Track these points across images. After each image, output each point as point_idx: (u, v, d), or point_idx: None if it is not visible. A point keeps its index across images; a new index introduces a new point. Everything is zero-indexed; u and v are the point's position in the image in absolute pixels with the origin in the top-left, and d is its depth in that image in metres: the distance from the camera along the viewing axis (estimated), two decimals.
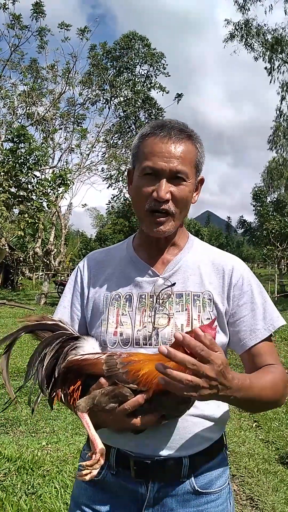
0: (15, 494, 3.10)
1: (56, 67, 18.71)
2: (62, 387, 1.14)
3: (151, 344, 1.25)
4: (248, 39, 23.41)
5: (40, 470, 3.44)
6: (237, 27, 23.57)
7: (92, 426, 1.07)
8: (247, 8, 22.57)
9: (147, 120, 35.98)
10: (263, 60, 23.94)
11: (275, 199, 40.52)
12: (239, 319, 1.30)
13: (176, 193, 1.23)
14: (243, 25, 23.33)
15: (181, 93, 31.88)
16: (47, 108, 17.58)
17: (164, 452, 1.21)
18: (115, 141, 30.52)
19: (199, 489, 1.25)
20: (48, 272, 19.40)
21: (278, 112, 27.40)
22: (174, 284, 1.30)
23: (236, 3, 22.81)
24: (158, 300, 1.29)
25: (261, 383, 1.17)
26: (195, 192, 1.34)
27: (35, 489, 3.18)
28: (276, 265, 23.63)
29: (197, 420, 1.24)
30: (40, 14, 18.23)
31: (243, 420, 5.06)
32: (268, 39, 23.37)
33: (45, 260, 19.47)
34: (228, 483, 1.34)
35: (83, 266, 1.45)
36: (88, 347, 1.19)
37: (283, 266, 25.91)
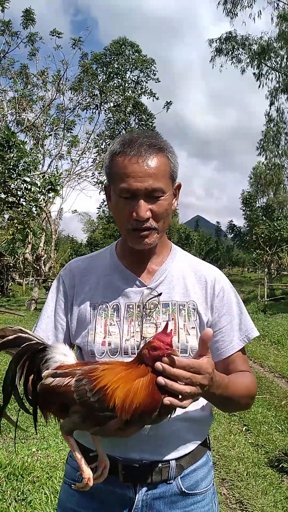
0: (4, 500, 3.09)
1: (46, 73, 18.72)
2: (43, 406, 1.12)
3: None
4: (234, 50, 23.58)
5: (30, 476, 3.43)
6: (221, 41, 23.72)
7: (77, 448, 1.06)
8: (235, 13, 22.75)
9: (137, 125, 36.10)
10: (251, 67, 24.15)
11: (264, 204, 40.82)
12: (218, 330, 1.35)
13: (156, 210, 1.24)
14: (227, 39, 23.48)
15: (170, 101, 32.09)
16: (37, 115, 17.58)
17: (152, 456, 1.24)
18: (106, 146, 30.55)
19: (186, 490, 1.28)
20: (39, 278, 19.30)
21: (267, 117, 27.65)
22: (161, 294, 1.32)
23: (224, 9, 23.00)
24: (145, 310, 1.30)
25: (237, 384, 1.25)
26: (174, 199, 1.35)
27: (25, 496, 3.17)
28: (266, 269, 23.75)
29: (183, 424, 1.27)
30: (30, 21, 18.26)
31: (233, 424, 5.08)
32: (254, 49, 23.56)
33: (35, 266, 19.38)
34: (213, 483, 1.38)
35: (66, 274, 1.44)
36: (59, 356, 1.14)
37: (272, 270, 26.06)
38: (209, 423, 1.41)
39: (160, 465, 1.24)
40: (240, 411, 1.37)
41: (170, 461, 1.26)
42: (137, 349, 1.27)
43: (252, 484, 3.64)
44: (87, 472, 1.04)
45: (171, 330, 1.06)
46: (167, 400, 0.99)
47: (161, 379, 0.99)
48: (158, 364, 0.99)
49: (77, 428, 1.06)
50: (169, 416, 1.04)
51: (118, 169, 1.23)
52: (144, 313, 1.31)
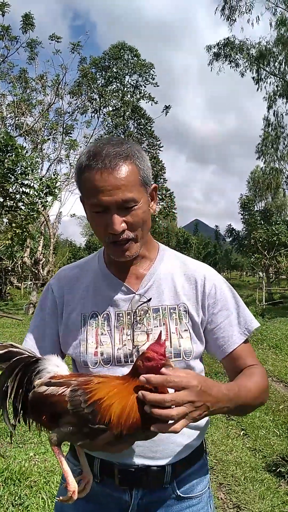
0: (2, 505, 3.09)
1: (45, 77, 18.78)
2: (34, 416, 1.11)
3: (133, 361, 1.24)
4: (232, 54, 23.67)
5: (28, 481, 3.43)
6: (219, 46, 23.82)
7: (65, 461, 1.05)
8: (233, 19, 22.87)
9: (136, 130, 36.21)
10: (250, 71, 24.25)
11: (262, 208, 40.89)
12: (216, 327, 1.34)
13: (131, 220, 1.21)
14: (225, 44, 23.57)
15: (169, 105, 32.24)
16: (36, 119, 17.62)
17: (147, 461, 1.24)
18: None
19: (181, 494, 1.29)
20: (37, 282, 19.27)
21: (265, 121, 27.76)
22: (150, 299, 1.31)
23: (222, 15, 23.11)
24: (135, 317, 1.30)
25: (248, 387, 1.22)
26: (152, 202, 1.32)
27: (22, 500, 3.17)
28: (264, 273, 23.78)
29: None
30: (30, 25, 18.33)
31: (230, 429, 5.08)
32: (252, 53, 23.66)
33: (34, 270, 19.36)
34: (208, 487, 1.39)
35: (55, 283, 1.42)
36: (52, 367, 1.13)
37: (271, 274, 26.09)
38: (206, 427, 1.40)
39: (155, 469, 1.25)
40: (257, 408, 1.33)
41: (166, 466, 1.26)
42: (129, 358, 1.26)
43: (249, 489, 3.64)
44: (73, 485, 1.03)
45: (164, 340, 1.05)
46: (154, 427, 0.97)
47: (146, 408, 0.97)
48: (142, 379, 0.98)
49: (67, 439, 1.04)
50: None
51: (86, 184, 1.20)
52: (134, 321, 1.29)
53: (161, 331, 1.16)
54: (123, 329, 1.29)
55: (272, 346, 10.23)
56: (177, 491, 1.28)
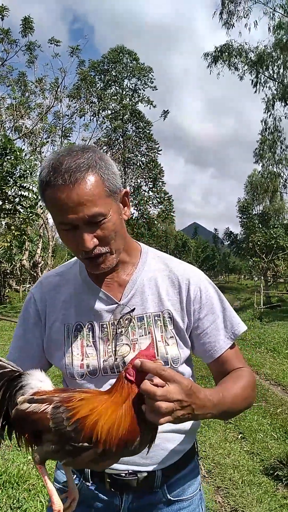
0: (0, 508, 3.09)
1: (44, 81, 18.82)
2: (18, 432, 1.08)
3: (119, 371, 1.23)
4: (231, 59, 23.75)
5: (26, 484, 3.44)
6: (218, 51, 23.91)
7: (49, 480, 1.02)
8: (232, 24, 22.96)
9: (134, 133, 36.25)
10: (250, 73, 24.32)
11: (260, 212, 40.97)
12: (202, 332, 1.31)
13: (101, 234, 1.15)
14: (222, 51, 23.66)
15: (167, 110, 32.37)
16: (35, 122, 17.65)
17: (138, 467, 1.25)
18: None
19: (171, 498, 1.29)
20: None
21: (264, 125, 27.86)
22: (133, 309, 1.27)
23: (221, 19, 23.20)
24: (119, 328, 1.27)
25: (233, 392, 1.19)
26: (125, 208, 1.26)
27: (21, 504, 3.17)
28: (262, 277, 23.79)
29: (169, 435, 1.27)
30: (29, 29, 18.39)
31: (228, 432, 5.09)
32: (251, 57, 23.78)
33: (32, 272, 19.34)
34: (200, 489, 1.39)
35: (37, 292, 1.38)
36: (35, 382, 1.10)
37: (269, 277, 26.11)
38: (196, 430, 1.40)
39: (146, 474, 1.25)
40: (243, 411, 1.30)
41: (156, 471, 1.26)
42: (116, 369, 1.24)
43: (247, 492, 3.65)
44: (58, 505, 1.00)
45: (153, 347, 1.05)
46: (143, 407, 0.95)
47: (143, 384, 0.94)
48: (137, 361, 0.96)
49: (50, 457, 1.01)
50: (148, 446, 1.00)
51: (49, 202, 1.14)
52: (117, 332, 1.26)
53: (151, 342, 1.14)
54: (108, 340, 1.26)
55: (270, 350, 10.23)
56: (168, 494, 1.29)
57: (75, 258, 1.38)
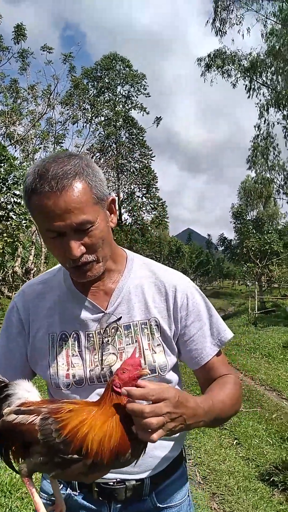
0: None
1: (36, 88, 18.84)
2: (5, 444, 1.04)
3: (106, 381, 1.22)
4: (224, 66, 23.90)
5: (18, 492, 3.39)
6: (211, 58, 24.07)
7: (36, 493, 0.99)
8: (224, 31, 23.14)
9: (127, 139, 36.39)
10: (243, 79, 24.48)
11: (254, 217, 41.15)
12: (189, 339, 1.30)
13: (88, 242, 1.13)
14: (216, 56, 23.83)
15: (160, 117, 32.52)
16: (28, 129, 17.66)
17: (126, 476, 1.23)
18: (96, 160, 30.72)
19: (160, 505, 1.28)
20: None
21: (257, 129, 28.01)
22: (120, 318, 1.25)
23: (213, 27, 23.38)
24: (105, 337, 1.24)
25: (221, 399, 1.19)
26: (112, 215, 1.24)
27: None
28: (256, 282, 23.84)
29: (157, 443, 1.24)
30: (22, 36, 18.43)
31: (223, 438, 5.05)
32: (243, 64, 23.96)
33: (25, 279, 19.28)
34: (188, 495, 1.37)
35: (19, 300, 1.34)
36: (22, 392, 1.07)
37: (263, 282, 26.17)
38: (184, 436, 1.39)
39: (134, 482, 1.24)
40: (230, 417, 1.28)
41: (145, 479, 1.25)
42: (103, 378, 1.22)
43: (243, 498, 3.61)
44: None
45: (139, 355, 1.04)
46: (135, 428, 0.94)
47: (128, 405, 0.94)
48: (124, 390, 0.95)
49: (38, 470, 0.99)
50: (137, 459, 0.99)
51: (35, 210, 1.11)
52: (103, 341, 1.24)
53: (135, 348, 1.13)
54: (94, 349, 1.24)
55: (265, 355, 10.24)
56: (156, 502, 1.28)
57: (59, 265, 1.35)
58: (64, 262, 1.17)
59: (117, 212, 1.28)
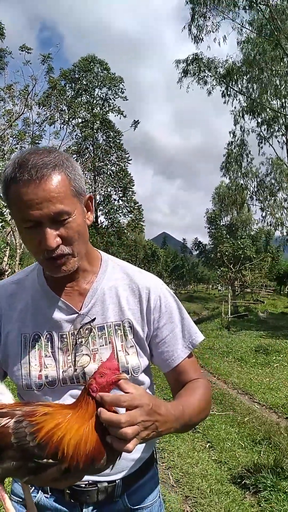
0: None
1: (13, 88, 18.64)
2: None
3: (79, 382, 1.22)
4: (200, 73, 24.13)
5: (8, 488, 3.34)
6: (188, 62, 24.26)
7: (8, 499, 0.95)
8: (201, 38, 23.36)
9: (105, 142, 36.36)
10: (219, 85, 24.74)
11: (228, 223, 41.65)
12: (160, 341, 1.31)
13: (65, 234, 1.13)
14: (193, 60, 24.03)
15: (138, 120, 32.57)
16: (4, 129, 17.45)
17: (98, 478, 1.23)
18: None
19: (131, 506, 1.29)
20: None
21: (231, 136, 28.38)
22: (94, 319, 1.26)
23: (189, 33, 23.57)
24: (79, 338, 1.25)
25: (191, 404, 1.20)
26: (88, 212, 1.24)
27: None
28: (230, 286, 24.14)
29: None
30: (0, 35, 18.24)
31: (196, 441, 5.10)
32: (219, 71, 24.24)
33: None
34: (159, 496, 1.39)
35: None
36: None
37: (236, 287, 26.52)
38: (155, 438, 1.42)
39: (106, 484, 1.24)
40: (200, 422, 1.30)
41: (117, 480, 1.25)
42: (76, 379, 1.23)
43: (215, 501, 3.65)
44: None
45: (115, 357, 1.03)
46: (109, 438, 0.93)
47: (103, 414, 0.93)
48: (98, 396, 0.95)
49: (10, 475, 0.95)
50: (113, 465, 0.98)
51: (14, 199, 1.11)
52: (76, 342, 1.24)
53: (112, 350, 1.13)
54: (68, 350, 1.24)
55: (238, 359, 10.37)
56: (128, 503, 1.29)
57: (33, 265, 1.37)
58: (38, 254, 1.16)
59: (94, 212, 1.29)
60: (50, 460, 0.90)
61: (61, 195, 1.10)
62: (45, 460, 0.90)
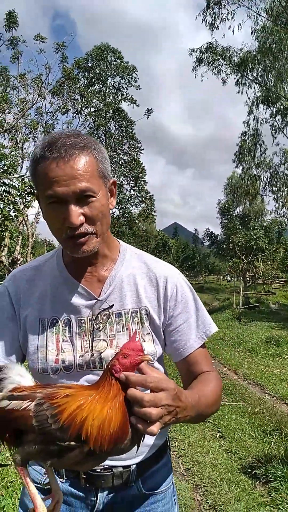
0: None
1: (26, 77, 18.61)
2: None
3: (96, 367, 1.23)
4: (215, 61, 23.84)
5: (4, 481, 3.40)
6: (202, 51, 23.99)
7: (31, 483, 0.94)
8: (216, 26, 23.03)
9: (117, 131, 36.23)
10: (233, 74, 24.43)
11: (240, 213, 41.37)
12: (174, 329, 1.32)
13: (89, 213, 1.15)
14: (208, 48, 23.75)
15: (151, 108, 32.29)
16: (18, 118, 17.45)
17: (113, 463, 1.25)
18: None
19: (145, 492, 1.31)
20: None
21: (245, 126, 28.07)
22: (112, 306, 1.27)
23: (203, 21, 23.26)
24: (97, 324, 1.26)
25: (206, 395, 1.20)
26: (112, 197, 1.27)
27: None
28: (241, 278, 24.03)
29: None
30: (13, 23, 18.16)
31: (207, 431, 5.13)
32: (234, 60, 23.94)
33: (11, 269, 19.14)
34: (172, 482, 1.41)
35: (10, 285, 1.34)
36: (14, 376, 1.03)
37: (247, 278, 26.39)
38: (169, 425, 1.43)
39: (121, 469, 1.26)
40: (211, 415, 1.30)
41: (131, 466, 1.27)
42: (92, 364, 1.24)
43: (225, 490, 3.68)
44: (41, 509, 0.93)
45: (139, 338, 1.02)
46: (133, 419, 0.92)
47: (129, 390, 0.92)
48: (122, 375, 0.94)
49: (32, 459, 0.94)
50: (137, 446, 0.96)
51: (41, 175, 1.14)
52: (94, 327, 1.26)
53: (135, 329, 1.13)
54: (85, 335, 1.26)
55: (248, 350, 10.37)
56: (142, 489, 1.31)
57: (51, 252, 1.39)
58: (61, 232, 1.17)
59: (116, 198, 1.31)
60: (73, 443, 0.89)
61: (87, 174, 1.13)
62: (67, 442, 0.89)
